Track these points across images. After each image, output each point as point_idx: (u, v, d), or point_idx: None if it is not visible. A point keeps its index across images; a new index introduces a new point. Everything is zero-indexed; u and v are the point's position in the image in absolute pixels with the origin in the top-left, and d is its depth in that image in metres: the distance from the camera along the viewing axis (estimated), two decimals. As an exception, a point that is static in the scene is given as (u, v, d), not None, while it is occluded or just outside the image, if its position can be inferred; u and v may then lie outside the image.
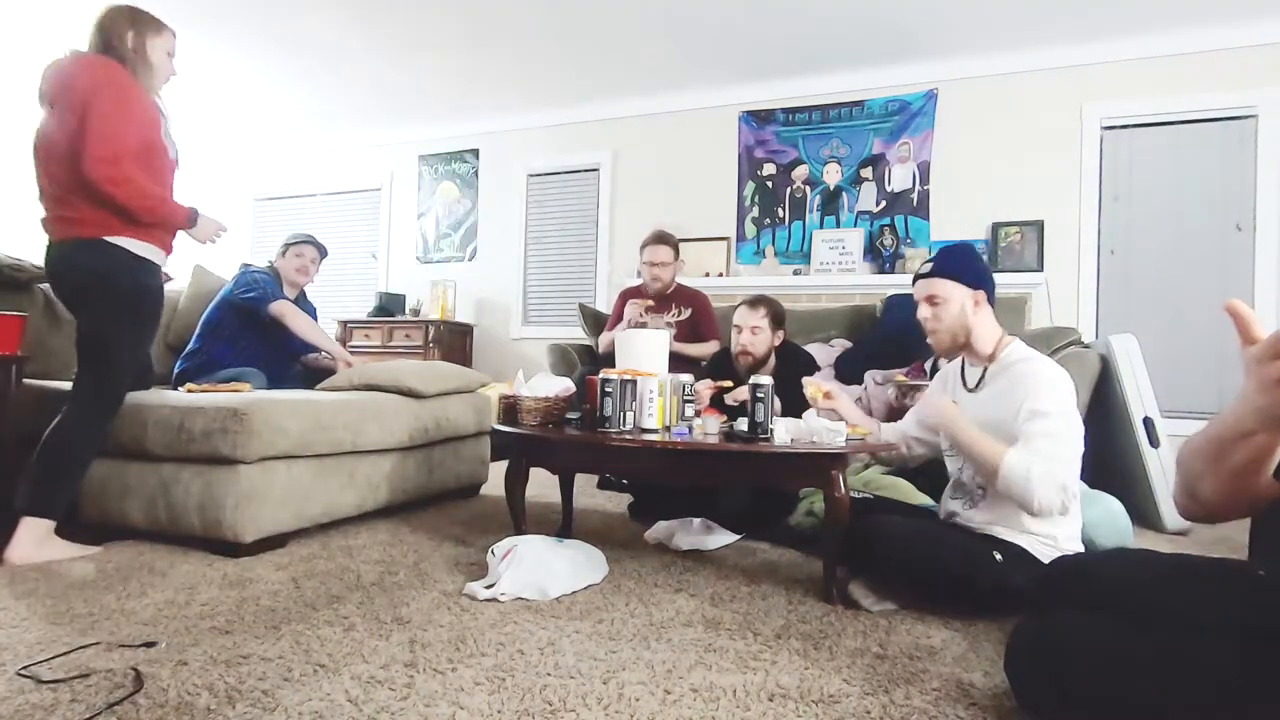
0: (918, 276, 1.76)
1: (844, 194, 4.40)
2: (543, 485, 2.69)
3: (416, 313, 5.19)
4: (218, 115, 5.37)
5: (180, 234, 2.06)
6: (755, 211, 4.60)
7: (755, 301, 2.57)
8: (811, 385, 1.99)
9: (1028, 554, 1.53)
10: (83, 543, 1.91)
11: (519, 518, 2.06)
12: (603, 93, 4.76)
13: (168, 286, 2.48)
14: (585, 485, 3.11)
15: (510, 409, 2.09)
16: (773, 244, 4.53)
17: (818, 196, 4.45)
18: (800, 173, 4.50)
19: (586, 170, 5.09)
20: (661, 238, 3.41)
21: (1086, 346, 3.10)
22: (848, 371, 3.30)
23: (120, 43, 1.91)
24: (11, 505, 1.84)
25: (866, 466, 2.41)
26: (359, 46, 4.20)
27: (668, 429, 1.94)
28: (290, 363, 2.94)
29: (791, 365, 2.51)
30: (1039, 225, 3.94)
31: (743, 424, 1.83)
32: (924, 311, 1.73)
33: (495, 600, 1.58)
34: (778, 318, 2.58)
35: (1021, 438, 1.52)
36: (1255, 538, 1.04)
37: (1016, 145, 4.04)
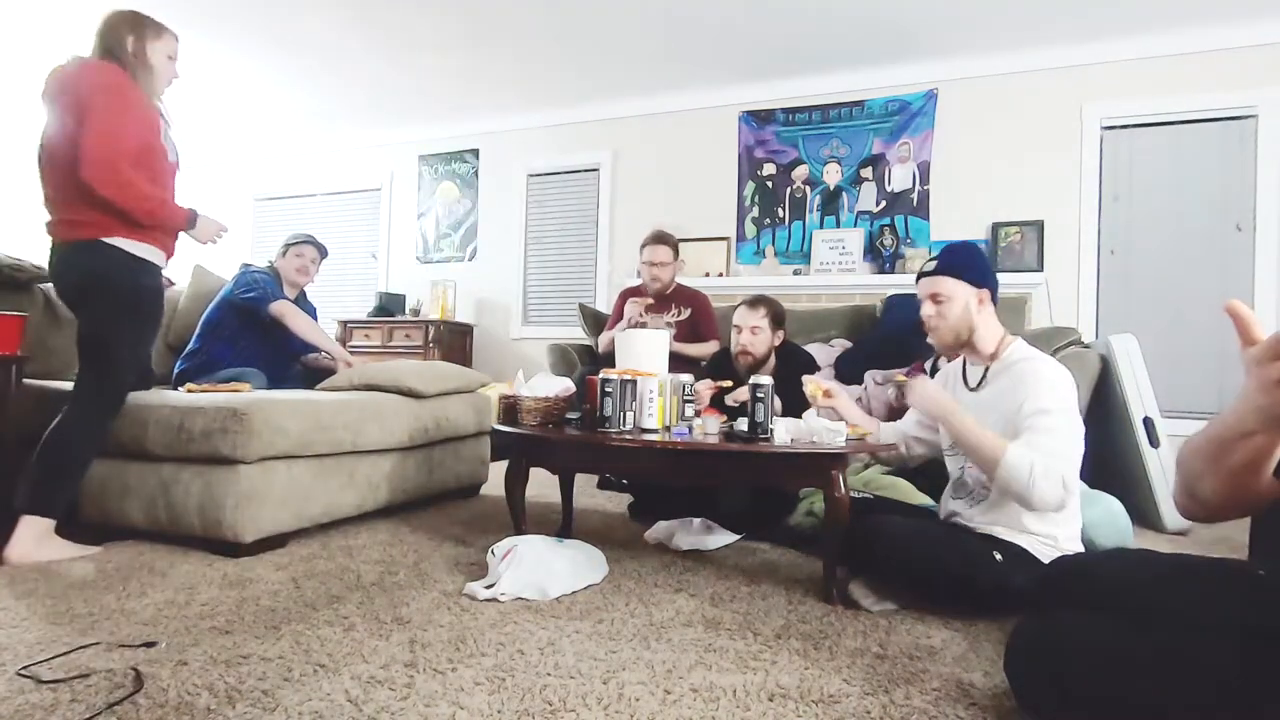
0: (921, 274, 1.76)
1: (844, 194, 4.40)
2: (543, 485, 2.69)
3: (416, 313, 5.19)
4: (218, 115, 5.37)
5: (182, 235, 2.07)
6: (755, 211, 4.60)
7: (755, 301, 2.57)
8: (811, 383, 1.99)
9: (1028, 554, 1.53)
10: (83, 543, 1.91)
11: (519, 518, 2.06)
12: (603, 93, 4.76)
13: (170, 290, 2.49)
14: (585, 485, 3.11)
15: (510, 409, 2.09)
16: (773, 244, 4.53)
17: (818, 196, 4.45)
18: (800, 173, 4.50)
19: (586, 170, 5.09)
20: (661, 238, 3.41)
21: (1086, 346, 3.10)
22: (848, 371, 3.30)
23: (120, 47, 1.93)
24: (11, 505, 1.84)
25: (866, 466, 2.41)
26: (359, 46, 4.20)
27: (668, 429, 1.94)
28: (290, 363, 2.94)
29: (791, 365, 2.51)
30: (1039, 225, 3.94)
31: (743, 424, 1.83)
32: (928, 309, 1.73)
33: (495, 600, 1.58)
34: (778, 318, 2.58)
35: (1023, 433, 1.52)
36: (1255, 538, 1.04)
37: (1016, 145, 4.04)
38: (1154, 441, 2.71)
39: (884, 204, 4.30)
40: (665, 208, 4.76)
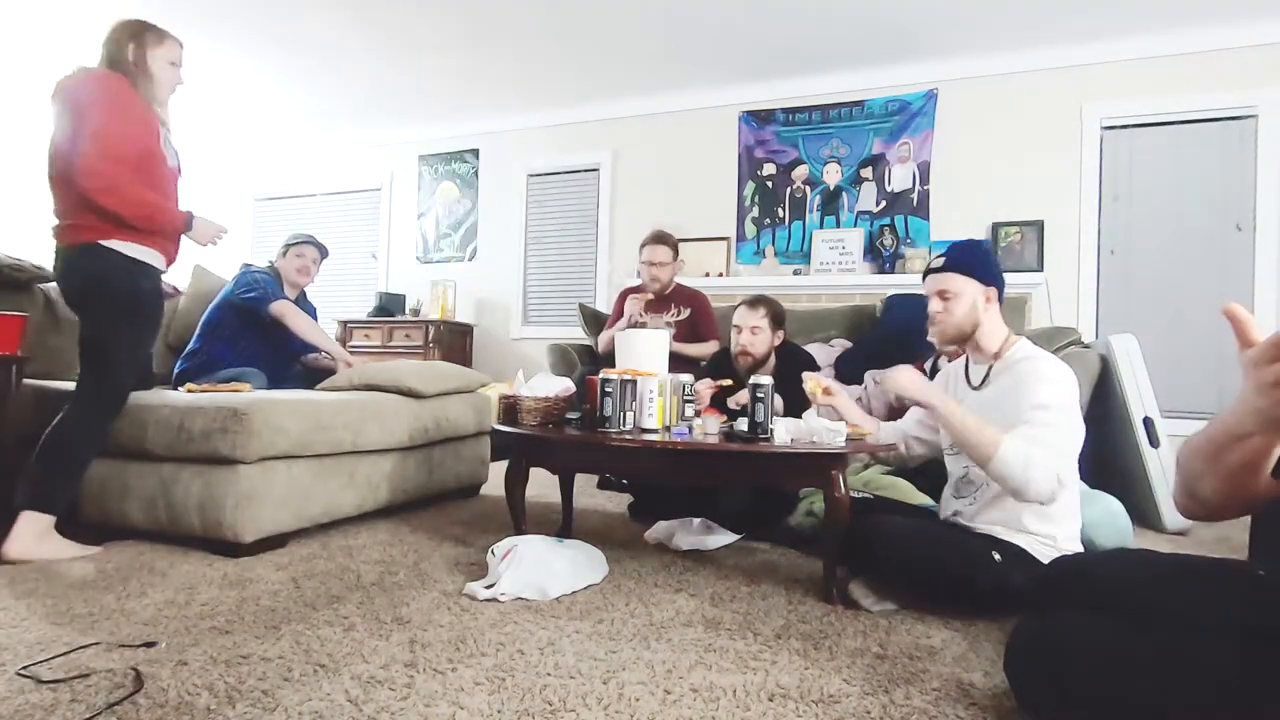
0: (929, 270, 1.76)
1: (844, 194, 4.40)
2: (543, 485, 2.68)
3: (416, 313, 5.19)
4: (218, 115, 5.37)
5: (184, 239, 2.09)
6: (755, 211, 4.60)
7: (755, 301, 2.57)
8: (811, 380, 1.98)
9: (1027, 554, 1.53)
10: (83, 543, 1.91)
11: (519, 518, 2.06)
12: (603, 93, 4.76)
13: (182, 306, 2.51)
14: (585, 485, 3.11)
15: (510, 409, 2.09)
16: (773, 244, 4.53)
17: (818, 196, 4.45)
18: (800, 173, 4.50)
19: (586, 170, 5.09)
20: (660, 237, 3.41)
21: (1086, 346, 3.10)
22: (848, 371, 3.29)
23: (122, 56, 1.96)
24: (11, 505, 1.85)
25: (866, 466, 2.41)
26: (359, 46, 4.20)
27: (668, 429, 1.94)
28: (290, 363, 2.94)
29: (792, 365, 2.51)
30: (1039, 225, 3.94)
31: (743, 424, 1.83)
32: (935, 305, 1.72)
33: (495, 600, 1.58)
34: (777, 318, 2.58)
35: (1020, 427, 1.52)
36: (1255, 538, 1.04)
37: (1016, 145, 4.04)
38: (1154, 441, 2.71)
39: (884, 204, 4.30)
40: (665, 208, 4.76)
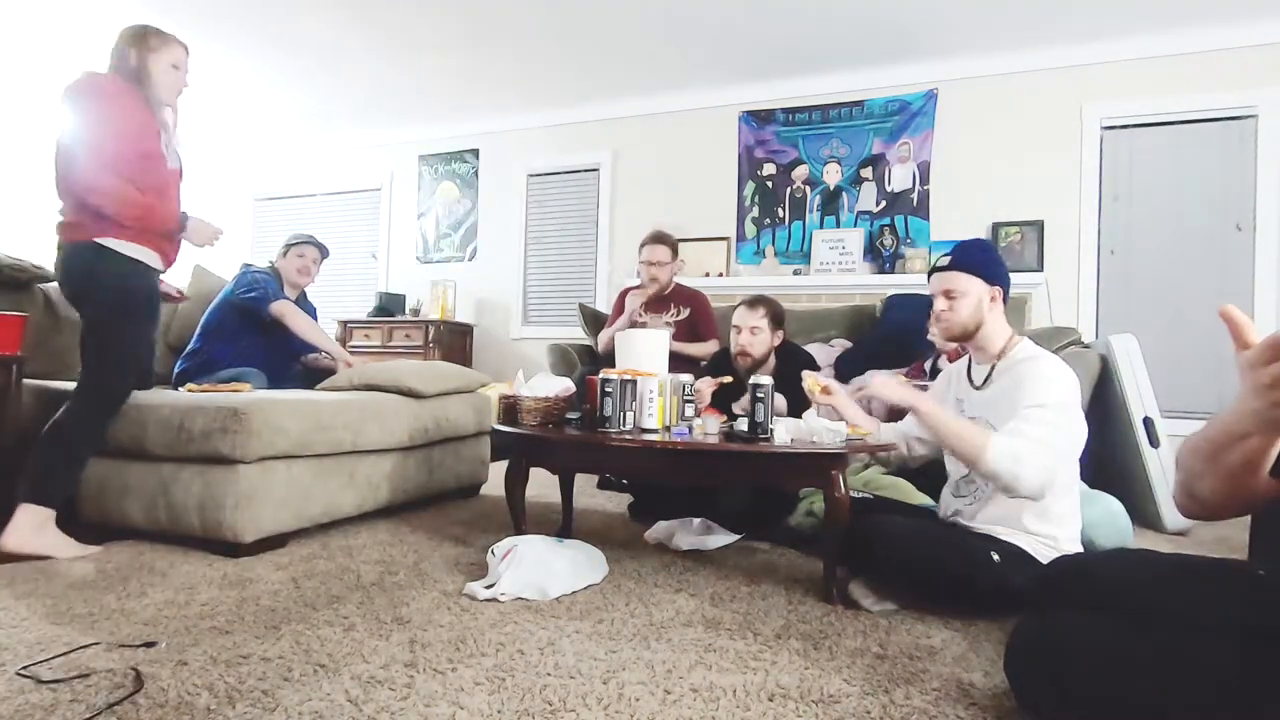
0: (934, 269, 1.76)
1: (844, 194, 4.40)
2: (543, 485, 2.68)
3: (416, 313, 5.19)
4: (217, 115, 5.36)
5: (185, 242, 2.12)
6: (755, 211, 4.60)
7: (754, 302, 2.57)
8: (810, 379, 1.98)
9: (1027, 554, 1.53)
10: (83, 542, 1.91)
11: (519, 518, 2.06)
12: (603, 93, 4.76)
13: (181, 306, 2.55)
14: (585, 485, 3.11)
15: (510, 409, 2.09)
16: (773, 244, 4.53)
17: (818, 196, 4.45)
18: (800, 173, 4.50)
19: (586, 170, 5.09)
20: (659, 237, 3.41)
21: (1086, 346, 3.10)
22: (848, 371, 3.29)
23: (124, 62, 2.01)
24: (12, 506, 1.85)
25: (866, 466, 2.41)
26: (359, 46, 4.20)
27: (668, 429, 1.94)
28: (290, 363, 2.93)
29: (792, 365, 2.51)
30: (1039, 225, 3.94)
31: (743, 424, 1.83)
32: (940, 304, 1.72)
33: (495, 600, 1.58)
34: (777, 318, 2.58)
35: (1011, 423, 1.52)
36: (1255, 537, 1.04)
37: (1016, 145, 4.04)
38: (1154, 441, 2.71)
39: (884, 204, 4.30)
40: (665, 208, 4.76)
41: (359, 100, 5.04)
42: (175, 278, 2.38)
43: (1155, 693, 0.89)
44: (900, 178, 4.26)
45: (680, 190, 4.78)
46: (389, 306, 5.16)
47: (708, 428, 1.88)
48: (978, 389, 1.73)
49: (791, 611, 1.58)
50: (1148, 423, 2.73)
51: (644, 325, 3.32)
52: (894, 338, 3.31)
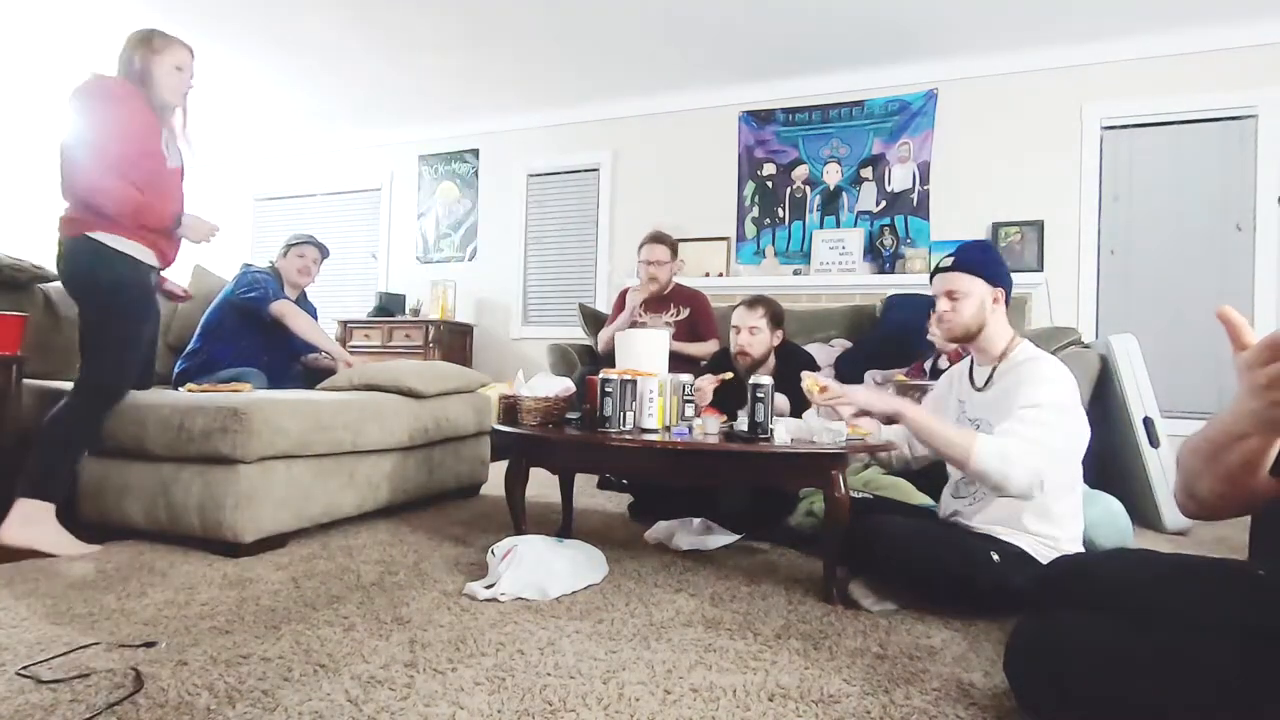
0: (937, 270, 1.75)
1: (844, 194, 4.40)
2: (543, 485, 2.68)
3: (416, 313, 5.19)
4: (218, 115, 5.36)
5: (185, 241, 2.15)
6: (755, 211, 4.60)
7: (753, 302, 2.57)
8: (809, 378, 1.98)
9: (1027, 554, 1.53)
10: (83, 542, 1.91)
11: (519, 518, 2.06)
12: (603, 93, 4.76)
13: (181, 306, 2.58)
14: (585, 485, 3.11)
15: (510, 409, 2.09)
16: (773, 244, 4.53)
17: (818, 196, 4.45)
18: (800, 173, 4.50)
19: (586, 170, 5.09)
20: (658, 237, 3.41)
21: (1086, 346, 3.10)
22: (848, 371, 3.29)
23: (129, 65, 2.04)
24: (11, 507, 1.87)
25: (866, 466, 2.41)
26: (359, 46, 4.20)
27: (668, 429, 1.94)
28: (290, 363, 2.94)
29: (792, 365, 2.51)
30: (1039, 225, 3.94)
31: (743, 424, 1.83)
32: (943, 305, 1.72)
33: (495, 600, 1.58)
34: (776, 318, 2.58)
35: (1007, 422, 1.52)
36: (1255, 537, 1.04)
37: (1016, 145, 4.04)
38: (1154, 441, 2.71)
39: (884, 204, 4.30)
40: (665, 208, 4.76)
41: (359, 100, 5.04)
42: (176, 277, 2.39)
43: (1155, 693, 0.89)
44: (900, 178, 4.26)
45: (680, 190, 4.78)
46: (389, 306, 5.16)
47: (708, 428, 1.88)
48: (979, 390, 1.73)
49: (791, 611, 1.58)
50: (1148, 423, 2.73)
51: (644, 325, 3.32)
52: (894, 338, 3.32)
